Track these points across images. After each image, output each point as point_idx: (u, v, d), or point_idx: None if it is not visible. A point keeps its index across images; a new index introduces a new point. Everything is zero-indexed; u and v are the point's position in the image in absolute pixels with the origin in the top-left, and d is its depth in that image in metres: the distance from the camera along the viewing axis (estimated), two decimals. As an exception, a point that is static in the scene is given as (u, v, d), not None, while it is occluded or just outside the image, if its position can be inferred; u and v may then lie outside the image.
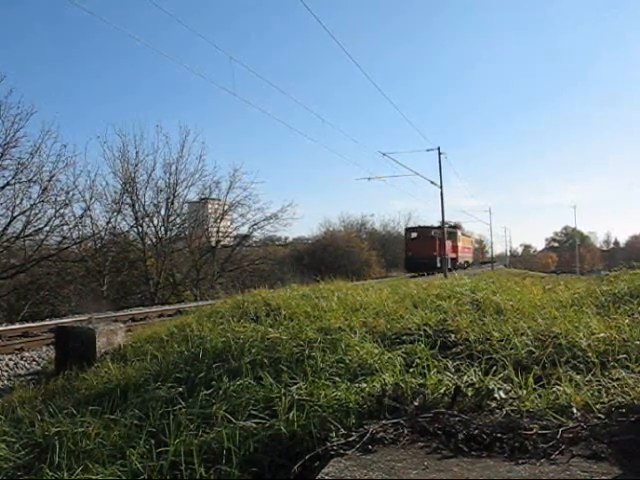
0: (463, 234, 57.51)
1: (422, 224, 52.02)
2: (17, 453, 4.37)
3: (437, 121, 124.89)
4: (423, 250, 44.02)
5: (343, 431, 3.47)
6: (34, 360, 8.55)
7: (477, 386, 3.75)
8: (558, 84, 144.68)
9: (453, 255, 48.56)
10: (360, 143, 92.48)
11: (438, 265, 41.25)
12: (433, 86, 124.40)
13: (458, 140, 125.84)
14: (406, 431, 3.35)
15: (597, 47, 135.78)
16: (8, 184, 22.48)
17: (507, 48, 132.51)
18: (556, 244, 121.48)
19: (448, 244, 41.73)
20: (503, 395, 3.62)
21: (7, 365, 8.25)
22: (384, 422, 3.44)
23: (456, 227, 53.59)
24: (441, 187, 36.09)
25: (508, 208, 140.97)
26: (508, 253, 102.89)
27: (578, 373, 4.01)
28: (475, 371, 4.11)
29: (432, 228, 47.06)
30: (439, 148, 36.02)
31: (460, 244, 54.21)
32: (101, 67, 71.10)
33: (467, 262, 59.88)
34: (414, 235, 47.89)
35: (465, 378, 3.96)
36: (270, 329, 5.81)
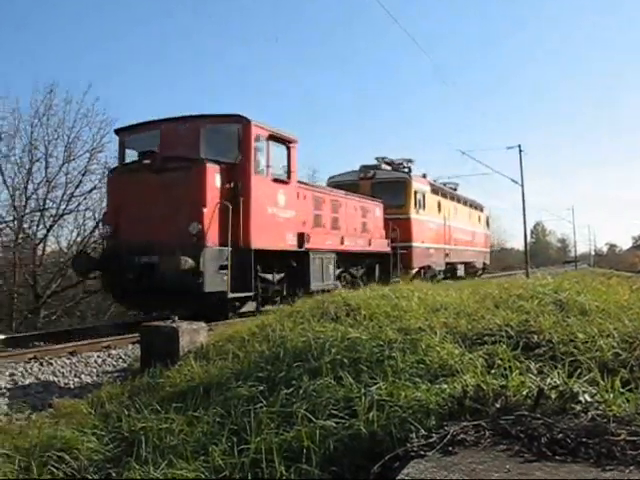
0: (444, 194, 28.25)
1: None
2: (106, 446, 4.69)
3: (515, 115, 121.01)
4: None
5: (423, 432, 3.56)
6: (120, 358, 9.01)
7: (561, 389, 3.75)
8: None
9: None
10: (435, 141, 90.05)
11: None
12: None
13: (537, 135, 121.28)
14: (487, 433, 3.40)
15: None
16: (95, 188, 23.60)
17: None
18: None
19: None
20: (588, 398, 3.61)
21: (95, 362, 8.72)
22: (465, 424, 3.50)
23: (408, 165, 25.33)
24: (522, 185, 34.70)
25: (592, 206, 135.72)
26: (592, 252, 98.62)
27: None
28: (559, 373, 4.10)
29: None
30: (520, 146, 34.77)
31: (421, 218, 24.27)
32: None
33: (472, 265, 32.30)
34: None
35: (548, 380, 3.96)
36: (350, 329, 5.94)
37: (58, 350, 9.05)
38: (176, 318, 7.70)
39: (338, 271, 16.67)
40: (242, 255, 12.02)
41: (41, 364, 8.26)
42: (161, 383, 6.21)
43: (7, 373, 7.67)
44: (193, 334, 7.46)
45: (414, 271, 22.65)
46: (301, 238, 14.32)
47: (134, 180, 12.17)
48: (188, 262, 10.83)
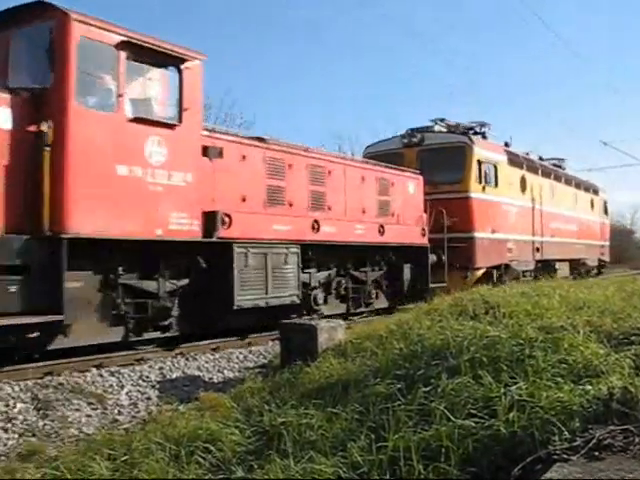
0: (532, 168, 21.13)
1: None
2: (248, 439, 4.88)
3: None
4: None
5: (567, 435, 3.45)
6: (261, 354, 9.35)
7: None
8: None
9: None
10: (576, 131, 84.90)
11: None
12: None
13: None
14: (637, 439, 3.25)
15: None
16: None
17: None
18: None
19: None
20: None
21: (237, 358, 9.10)
22: (612, 428, 3.37)
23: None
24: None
25: None
26: None
27: None
28: None
29: None
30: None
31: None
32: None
33: (581, 263, 25.24)
34: None
35: None
36: (489, 327, 5.85)
37: (202, 346, 9.51)
38: (316, 316, 7.88)
39: (314, 276, 11.82)
40: (46, 248, 7.47)
41: (187, 359, 8.72)
42: (300, 379, 6.38)
43: (157, 367, 8.16)
44: (331, 331, 7.60)
45: (480, 272, 16.73)
46: (211, 221, 9.25)
47: None
48: None
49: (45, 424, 6.11)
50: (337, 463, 4.07)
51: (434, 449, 3.87)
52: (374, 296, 13.79)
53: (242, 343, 9.91)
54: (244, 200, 10.18)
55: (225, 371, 8.46)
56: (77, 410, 6.51)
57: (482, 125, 19.15)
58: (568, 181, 25.04)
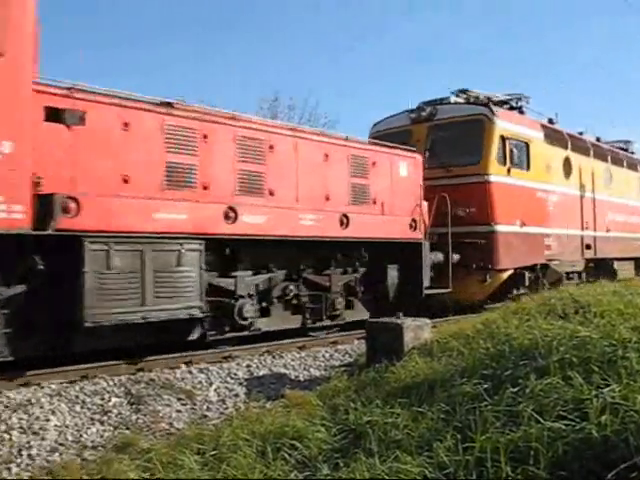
0: (580, 149, 17.44)
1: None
2: (334, 437, 4.93)
3: None
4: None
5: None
6: (347, 352, 9.40)
7: None
8: None
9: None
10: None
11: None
12: None
13: None
14: None
15: None
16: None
17: None
18: None
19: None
20: None
21: (323, 356, 9.18)
22: None
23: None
24: None
25: None
26: None
27: None
28: None
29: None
30: None
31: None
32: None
33: None
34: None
35: None
36: (579, 327, 5.70)
37: (289, 345, 9.64)
38: (401, 314, 7.86)
39: (243, 281, 9.23)
40: None
41: (273, 357, 8.86)
42: (386, 378, 6.40)
43: (244, 365, 8.32)
44: (417, 330, 7.57)
45: (505, 274, 13.59)
46: (46, 207, 6.82)
47: None
48: None
49: (138, 418, 6.35)
50: (423, 463, 4.06)
51: (522, 451, 3.81)
52: (341, 306, 10.85)
53: (328, 342, 9.99)
54: (126, 181, 7.80)
55: (311, 369, 8.55)
56: (167, 405, 6.72)
57: (519, 98, 15.90)
58: (632, 165, 20.58)
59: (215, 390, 7.38)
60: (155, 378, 7.36)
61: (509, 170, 13.81)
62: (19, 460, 5.21)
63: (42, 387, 6.75)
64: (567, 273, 15.88)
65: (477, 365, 5.61)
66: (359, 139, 11.72)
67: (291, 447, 4.74)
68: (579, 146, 17.39)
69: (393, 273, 11.62)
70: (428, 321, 7.95)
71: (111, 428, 6.07)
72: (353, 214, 10.73)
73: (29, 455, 5.31)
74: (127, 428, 6.05)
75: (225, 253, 9.05)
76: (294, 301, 10.21)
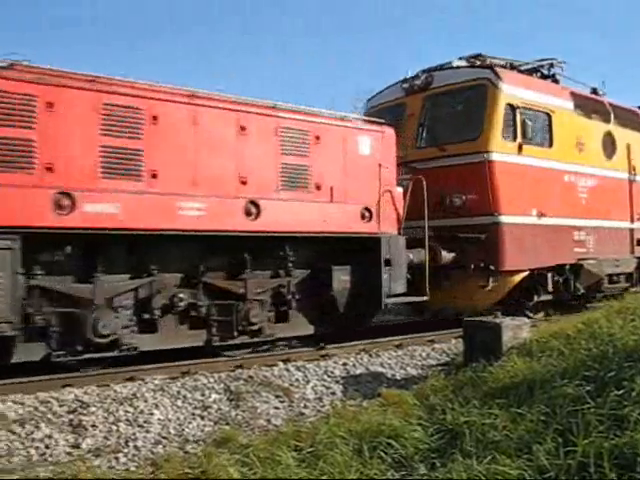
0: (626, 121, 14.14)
1: None
2: (431, 437, 4.91)
3: None
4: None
5: None
6: (444, 352, 9.30)
7: None
8: None
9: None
10: None
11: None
12: None
13: None
14: None
15: None
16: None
17: None
18: None
19: None
20: None
21: (420, 355, 9.12)
22: None
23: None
24: None
25: None
26: None
27: None
28: None
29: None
30: None
31: None
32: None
33: None
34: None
35: None
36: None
37: (385, 343, 9.62)
38: (499, 313, 7.72)
39: (102, 288, 7.35)
40: None
41: (370, 356, 8.86)
42: (484, 378, 6.30)
43: (341, 363, 8.37)
44: (516, 330, 7.42)
45: (517, 277, 11.02)
46: None
47: None
48: None
49: (237, 414, 6.50)
50: (522, 465, 4.01)
51: (628, 457, 3.71)
52: (259, 318, 8.56)
53: (425, 340, 9.90)
54: None
55: (408, 368, 8.51)
56: (265, 402, 6.85)
57: (551, 65, 13.14)
58: None
59: (312, 388, 7.46)
60: (253, 375, 7.52)
61: (520, 147, 11.15)
62: (126, 450, 5.46)
63: (146, 382, 7.02)
64: (610, 275, 13.09)
65: (579, 366, 5.47)
66: (297, 107, 9.19)
67: (387, 446, 4.75)
68: (627, 119, 14.24)
69: (342, 277, 9.21)
70: (527, 320, 7.79)
71: (211, 423, 6.24)
72: (270, 201, 8.46)
73: (135, 446, 5.56)
74: (226, 423, 6.21)
75: (68, 251, 7.21)
76: (193, 313, 8.10)
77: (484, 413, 5.03)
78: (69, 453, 5.31)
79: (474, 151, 10.79)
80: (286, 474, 4.44)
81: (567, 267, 11.86)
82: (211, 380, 7.27)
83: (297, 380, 7.62)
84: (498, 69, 11.36)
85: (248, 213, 8.26)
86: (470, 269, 10.56)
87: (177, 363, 7.75)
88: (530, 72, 12.64)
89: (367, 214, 9.44)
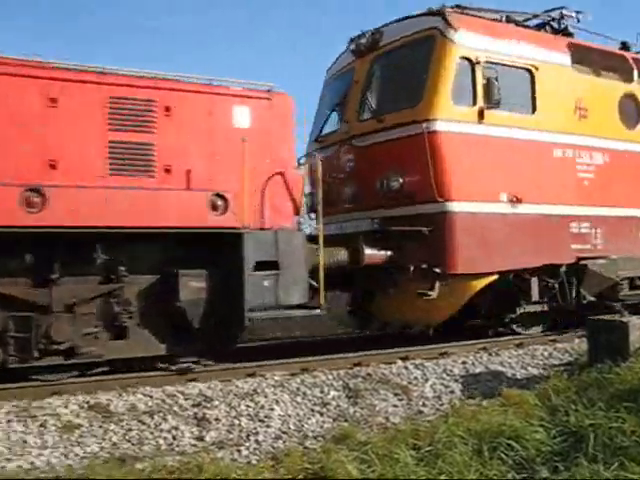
0: None
1: None
2: (553, 439, 4.79)
3: None
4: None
5: None
6: (566, 351, 8.99)
7: None
8: None
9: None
10: None
11: None
12: None
13: None
14: None
15: None
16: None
17: None
18: None
19: None
20: None
21: (542, 354, 8.88)
22: None
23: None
24: None
25: None
26: None
27: None
28: None
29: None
30: None
31: None
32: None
33: None
34: None
35: None
36: None
37: (506, 342, 9.43)
38: (626, 313, 7.40)
39: None
40: None
41: (490, 354, 8.71)
42: (610, 379, 6.09)
43: (460, 361, 8.28)
44: (645, 329, 7.09)
45: (479, 283, 8.78)
46: None
47: None
48: None
49: (355, 411, 6.57)
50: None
51: None
52: (68, 337, 6.69)
53: (547, 340, 9.62)
54: None
55: (529, 367, 8.30)
56: (384, 400, 6.88)
57: (561, 16, 10.52)
58: None
59: (431, 386, 7.42)
60: (372, 373, 7.56)
61: (481, 113, 8.76)
62: (248, 444, 5.64)
63: (266, 378, 7.21)
64: (630, 279, 10.29)
65: None
66: (139, 72, 7.35)
67: (508, 447, 4.69)
68: None
69: (193, 284, 7.18)
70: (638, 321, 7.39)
71: (330, 420, 6.34)
72: (81, 189, 6.61)
73: (256, 440, 5.73)
74: (345, 420, 6.29)
75: None
76: None
77: (611, 416, 4.87)
78: (194, 445, 5.54)
79: (412, 120, 8.60)
80: (404, 473, 4.45)
81: (563, 269, 9.51)
82: (330, 377, 7.37)
83: (415, 378, 7.61)
84: (452, 15, 8.97)
85: (29, 205, 6.36)
86: (409, 272, 8.51)
87: (296, 360, 7.94)
88: (538, 28, 10.47)
89: (221, 203, 7.30)
